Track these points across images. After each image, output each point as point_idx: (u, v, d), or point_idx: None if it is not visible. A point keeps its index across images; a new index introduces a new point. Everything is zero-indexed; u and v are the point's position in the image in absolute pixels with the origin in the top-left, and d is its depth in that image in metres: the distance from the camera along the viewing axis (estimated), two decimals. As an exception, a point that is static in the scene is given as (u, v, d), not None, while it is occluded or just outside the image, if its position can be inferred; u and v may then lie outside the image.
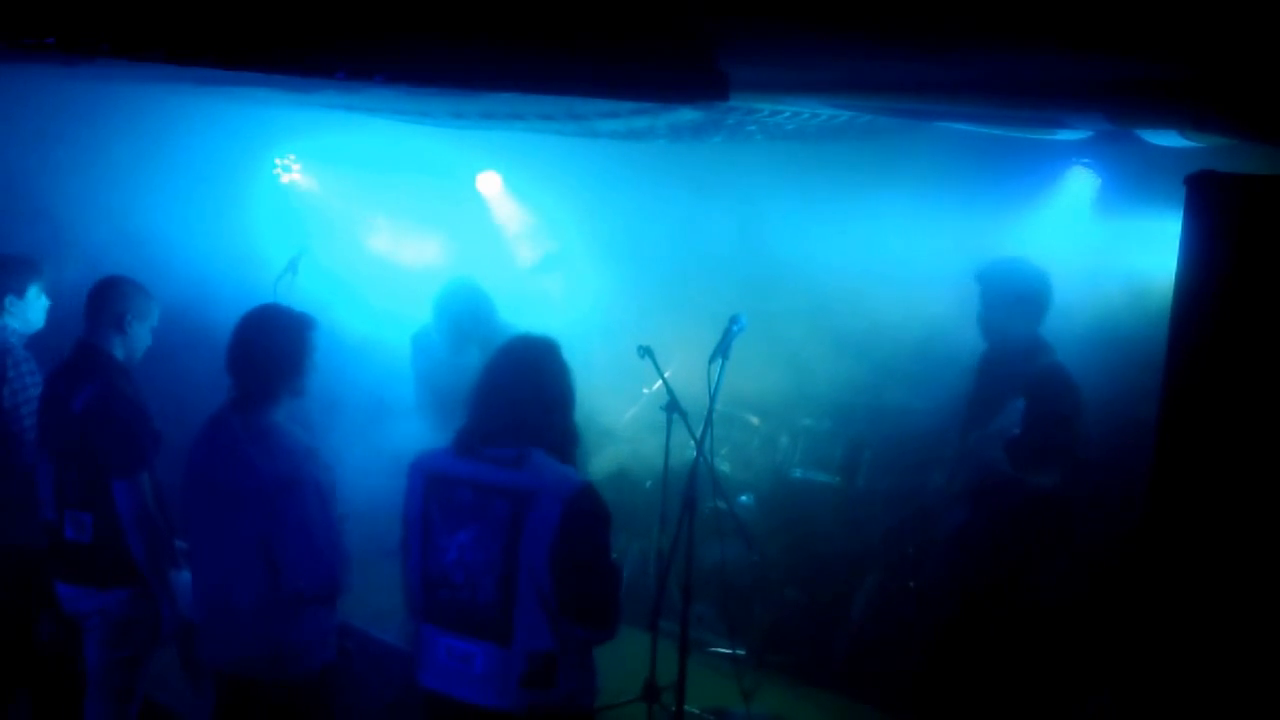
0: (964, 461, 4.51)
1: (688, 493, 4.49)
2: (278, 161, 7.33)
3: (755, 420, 6.50)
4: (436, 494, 3.13)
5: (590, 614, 3.06)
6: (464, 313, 5.12)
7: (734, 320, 4.43)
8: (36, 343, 4.63)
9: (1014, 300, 4.39)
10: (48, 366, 4.32)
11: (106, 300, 4.04)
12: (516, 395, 3.13)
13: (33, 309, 4.56)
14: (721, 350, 4.39)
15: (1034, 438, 4.16)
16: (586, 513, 3.00)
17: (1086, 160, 5.47)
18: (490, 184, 7.47)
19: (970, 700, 4.40)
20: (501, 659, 3.02)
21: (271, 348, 3.50)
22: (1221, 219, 2.41)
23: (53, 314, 4.72)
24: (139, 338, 4.11)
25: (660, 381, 4.78)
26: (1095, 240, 5.25)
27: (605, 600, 3.09)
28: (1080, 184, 5.54)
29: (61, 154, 6.16)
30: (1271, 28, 2.22)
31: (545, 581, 2.97)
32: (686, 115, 4.71)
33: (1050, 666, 4.46)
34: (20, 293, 4.50)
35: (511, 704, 3.03)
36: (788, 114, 4.66)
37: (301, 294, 5.45)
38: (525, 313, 5.49)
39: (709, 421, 4.44)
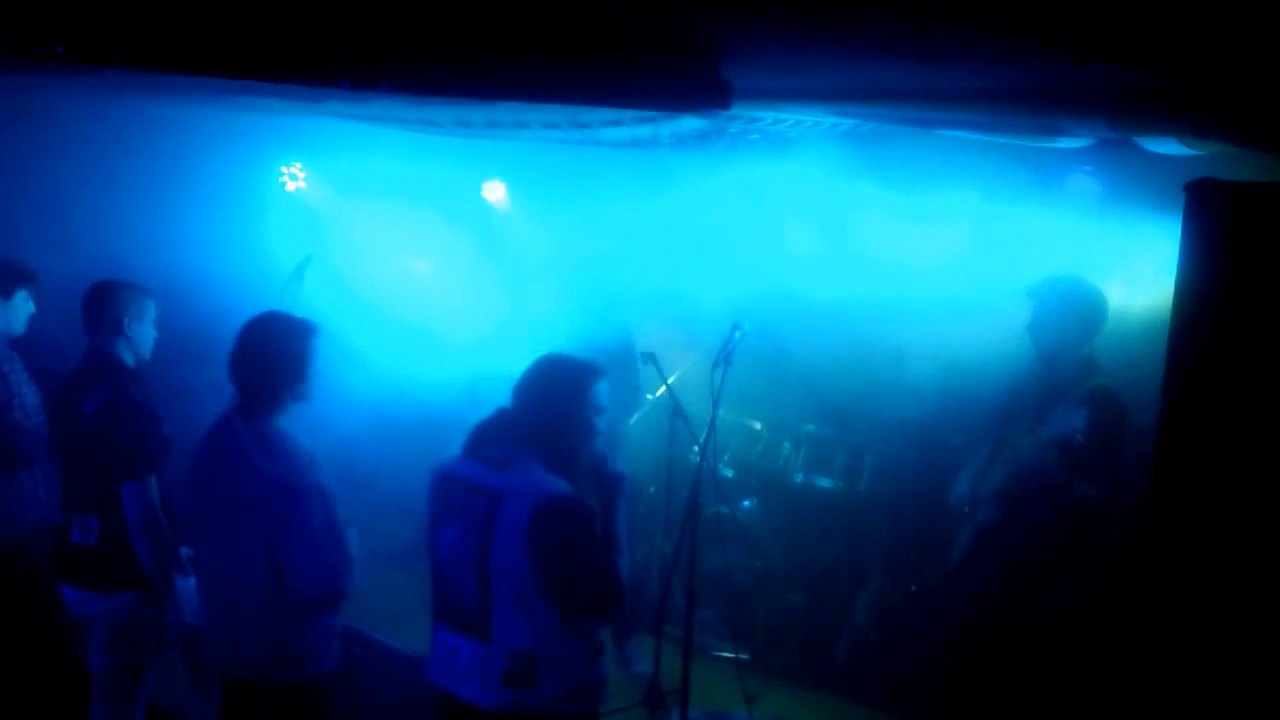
0: (1005, 464, 4.52)
1: (691, 498, 4.50)
2: (283, 169, 7.34)
3: (758, 426, 6.51)
4: (439, 493, 3.22)
5: (579, 607, 3.11)
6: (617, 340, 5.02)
7: (736, 327, 4.44)
8: (41, 348, 4.65)
9: (1072, 318, 4.39)
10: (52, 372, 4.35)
11: (102, 307, 4.03)
12: (528, 406, 3.19)
13: (17, 313, 4.59)
14: (724, 357, 4.41)
15: (1098, 446, 4.19)
16: (553, 520, 3.02)
17: (1087, 168, 5.47)
18: (495, 192, 7.48)
19: (993, 702, 4.43)
20: (483, 654, 3.07)
21: (274, 353, 3.51)
22: (1221, 226, 2.43)
23: (58, 319, 4.74)
24: (143, 337, 4.11)
25: (663, 387, 4.79)
26: (1095, 247, 5.25)
27: (594, 592, 3.12)
28: (1081, 191, 5.54)
29: (68, 160, 6.18)
30: (1270, 35, 2.24)
31: (524, 579, 3.01)
32: (689, 123, 4.73)
33: (1068, 671, 4.48)
34: (7, 295, 4.54)
35: (494, 702, 3.07)
36: (790, 122, 4.68)
37: (308, 301, 5.46)
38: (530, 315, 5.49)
39: (712, 427, 4.46)
